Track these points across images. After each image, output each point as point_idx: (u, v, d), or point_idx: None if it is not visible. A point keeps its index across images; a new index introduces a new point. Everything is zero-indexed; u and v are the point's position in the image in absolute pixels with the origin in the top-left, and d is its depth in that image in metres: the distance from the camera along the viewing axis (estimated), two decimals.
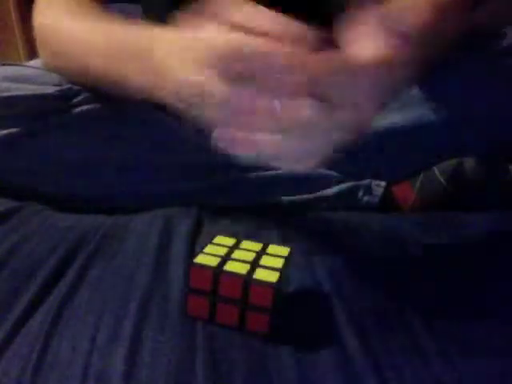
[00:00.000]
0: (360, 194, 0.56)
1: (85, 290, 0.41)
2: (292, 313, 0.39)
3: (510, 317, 0.40)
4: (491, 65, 0.50)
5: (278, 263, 0.38)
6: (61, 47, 0.53)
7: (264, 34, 0.32)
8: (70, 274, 0.43)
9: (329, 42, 0.34)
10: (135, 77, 0.41)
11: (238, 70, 0.31)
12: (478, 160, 0.58)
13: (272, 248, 0.41)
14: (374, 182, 0.57)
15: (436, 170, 0.59)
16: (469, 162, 0.58)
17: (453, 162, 0.59)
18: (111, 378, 0.33)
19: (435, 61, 0.44)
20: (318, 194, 0.56)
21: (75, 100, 0.50)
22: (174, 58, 0.35)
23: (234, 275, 0.36)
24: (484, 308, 0.41)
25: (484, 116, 0.51)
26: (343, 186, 0.56)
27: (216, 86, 0.32)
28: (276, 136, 0.32)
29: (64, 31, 0.52)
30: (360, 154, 0.58)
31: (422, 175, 0.58)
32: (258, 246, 0.41)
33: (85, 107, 0.52)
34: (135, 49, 0.41)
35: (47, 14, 0.54)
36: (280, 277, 0.36)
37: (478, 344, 0.37)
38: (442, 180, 0.57)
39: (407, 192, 0.58)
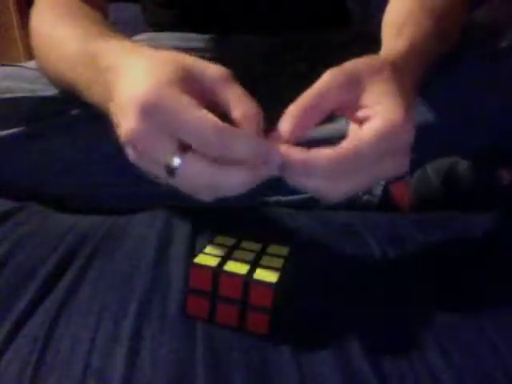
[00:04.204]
0: (360, 193, 0.56)
1: (85, 290, 0.41)
2: (292, 313, 0.39)
3: (509, 316, 0.40)
4: (491, 64, 0.50)
5: (278, 263, 0.38)
6: (39, 51, 0.53)
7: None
8: (70, 274, 0.43)
9: None
10: (90, 89, 0.42)
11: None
12: (472, 162, 0.58)
13: (272, 248, 0.41)
14: None
15: (429, 169, 0.59)
16: (462, 164, 0.59)
17: (446, 161, 0.59)
18: (111, 378, 0.33)
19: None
20: None
21: (75, 101, 0.49)
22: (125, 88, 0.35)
23: (233, 275, 0.36)
24: (483, 307, 0.41)
25: (483, 116, 0.51)
26: None
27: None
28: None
29: (42, 36, 0.52)
30: None
31: (416, 175, 0.58)
32: (257, 246, 0.41)
33: (84, 108, 0.52)
34: (99, 63, 0.40)
35: (34, 16, 0.54)
36: (280, 277, 0.36)
37: (477, 343, 0.37)
38: (434, 180, 0.58)
39: (403, 191, 0.58)
